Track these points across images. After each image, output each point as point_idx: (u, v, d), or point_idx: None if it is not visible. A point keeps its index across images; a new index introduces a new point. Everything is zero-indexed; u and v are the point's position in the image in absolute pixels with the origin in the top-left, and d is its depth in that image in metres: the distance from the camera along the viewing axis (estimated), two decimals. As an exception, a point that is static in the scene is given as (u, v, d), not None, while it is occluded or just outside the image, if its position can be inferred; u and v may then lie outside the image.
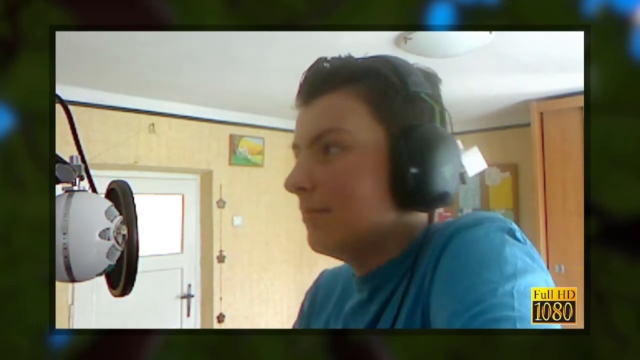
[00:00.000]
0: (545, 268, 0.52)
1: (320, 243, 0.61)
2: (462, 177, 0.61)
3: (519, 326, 0.43)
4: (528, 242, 0.54)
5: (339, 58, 0.62)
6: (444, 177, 0.57)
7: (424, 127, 0.57)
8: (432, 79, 0.63)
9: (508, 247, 0.50)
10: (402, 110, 0.58)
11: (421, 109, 0.59)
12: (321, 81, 0.60)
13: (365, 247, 0.61)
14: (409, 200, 0.57)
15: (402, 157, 0.56)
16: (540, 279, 0.49)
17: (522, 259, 0.50)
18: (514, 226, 0.55)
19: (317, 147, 0.59)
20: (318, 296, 0.77)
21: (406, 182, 0.56)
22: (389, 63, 0.61)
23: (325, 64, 0.61)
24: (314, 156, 0.60)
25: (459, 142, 3.43)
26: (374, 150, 0.58)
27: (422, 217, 0.62)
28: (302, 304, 0.79)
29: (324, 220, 0.60)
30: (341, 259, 0.66)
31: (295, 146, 0.63)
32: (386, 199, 0.58)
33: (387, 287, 0.60)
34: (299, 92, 0.63)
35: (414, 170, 0.55)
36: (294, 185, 0.59)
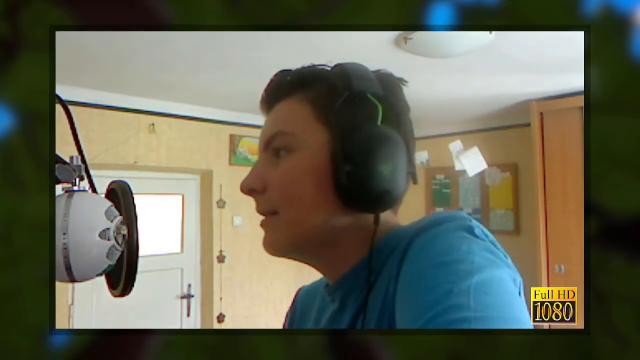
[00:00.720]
0: (510, 263, 0.51)
1: (271, 246, 0.62)
2: (412, 175, 0.61)
3: (473, 327, 0.42)
4: (490, 236, 0.53)
5: (300, 68, 0.64)
6: (383, 175, 0.56)
7: (363, 127, 0.57)
8: (388, 83, 0.62)
9: (465, 245, 0.49)
10: (343, 111, 0.59)
11: (363, 110, 0.59)
12: (276, 90, 0.64)
13: (318, 249, 0.61)
14: (350, 199, 0.57)
15: (338, 156, 0.56)
16: (503, 273, 0.48)
17: (480, 255, 0.48)
18: (474, 223, 0.54)
19: (270, 151, 0.62)
20: (296, 315, 0.76)
21: (342, 181, 0.56)
22: (339, 68, 0.62)
23: (283, 75, 0.64)
24: (267, 160, 0.62)
25: (459, 142, 3.43)
26: (318, 151, 0.59)
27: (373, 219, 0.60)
28: (284, 326, 0.78)
29: (273, 222, 0.62)
30: (306, 263, 0.65)
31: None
32: (331, 198, 0.57)
33: (356, 294, 0.60)
34: (260, 103, 0.66)
35: (348, 168, 0.55)
36: (246, 187, 0.62)
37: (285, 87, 0.63)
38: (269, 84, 0.66)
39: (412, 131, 0.64)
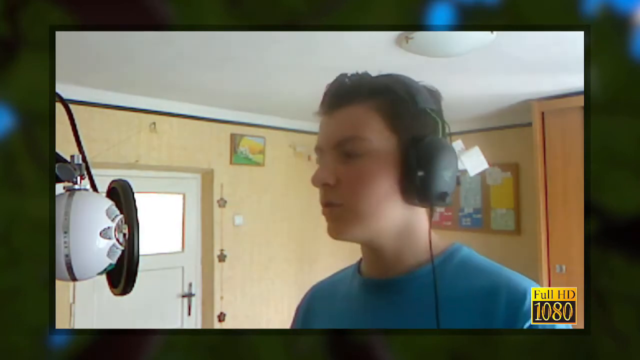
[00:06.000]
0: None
1: (336, 232, 0.71)
2: (458, 179, 0.72)
3: None
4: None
5: (357, 74, 0.73)
6: (445, 179, 0.68)
7: (429, 138, 0.68)
8: (435, 96, 0.73)
9: None
10: (411, 123, 0.69)
11: (427, 123, 0.70)
12: (343, 95, 0.71)
13: (378, 239, 0.71)
14: (415, 197, 0.68)
15: (411, 162, 0.67)
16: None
17: None
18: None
19: (339, 150, 0.70)
20: (315, 304, 0.85)
21: (414, 182, 0.67)
22: (400, 82, 0.71)
23: (346, 80, 0.72)
24: (337, 158, 0.71)
25: (460, 142, 3.43)
26: (388, 155, 0.69)
27: (426, 227, 0.72)
28: (295, 319, 0.87)
29: (338, 212, 0.70)
30: (364, 246, 0.75)
31: (318, 148, 0.74)
32: (395, 195, 0.69)
33: (410, 298, 0.68)
34: (322, 102, 0.74)
35: (420, 173, 0.67)
36: (320, 181, 0.71)
37: (353, 92, 0.71)
38: (331, 87, 0.73)
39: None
